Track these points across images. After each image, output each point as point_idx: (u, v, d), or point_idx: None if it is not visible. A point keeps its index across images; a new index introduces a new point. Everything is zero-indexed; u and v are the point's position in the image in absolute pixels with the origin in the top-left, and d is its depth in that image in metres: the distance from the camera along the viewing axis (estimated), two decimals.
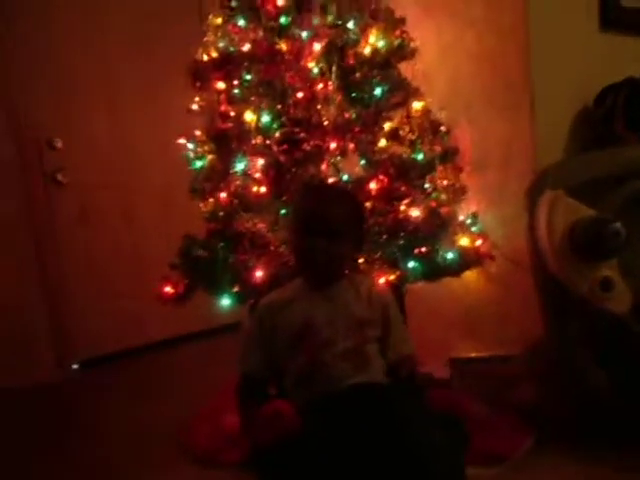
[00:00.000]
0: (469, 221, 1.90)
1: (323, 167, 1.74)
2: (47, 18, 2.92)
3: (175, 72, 2.64)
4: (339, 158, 1.81)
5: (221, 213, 1.83)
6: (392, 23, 1.86)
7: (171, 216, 3.08)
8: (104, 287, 3.06)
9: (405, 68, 1.91)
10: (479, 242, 1.79)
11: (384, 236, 1.65)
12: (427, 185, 1.81)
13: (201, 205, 1.96)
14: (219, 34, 1.91)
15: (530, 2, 1.91)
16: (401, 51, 1.85)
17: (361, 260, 1.66)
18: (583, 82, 2.00)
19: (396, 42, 1.84)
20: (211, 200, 1.92)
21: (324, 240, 1.28)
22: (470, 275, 1.91)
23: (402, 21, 1.91)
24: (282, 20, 1.71)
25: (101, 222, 3.07)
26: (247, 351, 1.39)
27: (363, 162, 1.82)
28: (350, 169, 1.83)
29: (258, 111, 1.69)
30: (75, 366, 3.00)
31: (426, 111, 1.83)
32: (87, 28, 3.03)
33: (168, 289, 1.94)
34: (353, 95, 1.74)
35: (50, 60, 2.93)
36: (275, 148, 1.68)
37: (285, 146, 1.67)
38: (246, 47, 1.81)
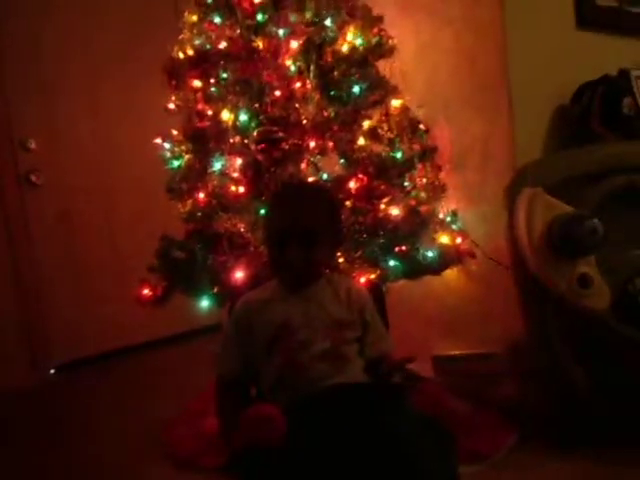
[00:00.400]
0: (449, 219, 1.90)
1: (302, 166, 1.73)
2: (30, 21, 2.89)
3: (155, 73, 2.62)
4: (318, 157, 1.80)
5: (199, 213, 1.81)
6: (370, 21, 1.85)
7: (152, 218, 3.01)
8: (83, 290, 3.01)
9: (383, 66, 1.91)
10: (459, 240, 1.79)
11: (364, 235, 1.64)
12: (406, 183, 1.81)
13: (179, 206, 1.94)
14: (195, 31, 1.88)
15: (506, 1, 1.91)
16: (379, 49, 1.85)
17: (341, 259, 1.65)
18: (560, 80, 2.00)
19: (374, 40, 1.84)
20: (189, 201, 1.90)
21: (300, 248, 1.26)
22: (451, 273, 1.91)
23: (380, 19, 1.90)
24: (259, 17, 1.69)
25: (80, 224, 3.03)
26: (224, 352, 1.37)
27: (342, 161, 1.81)
28: (329, 168, 1.82)
29: (235, 110, 1.67)
30: (52, 370, 2.95)
31: (405, 109, 1.83)
32: (69, 30, 3.00)
33: (146, 291, 1.91)
34: (331, 93, 1.72)
35: (30, 61, 2.89)
36: (253, 147, 1.65)
37: (263, 145, 1.65)
38: (222, 45, 1.80)
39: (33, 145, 2.88)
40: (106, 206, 3.12)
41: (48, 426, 2.31)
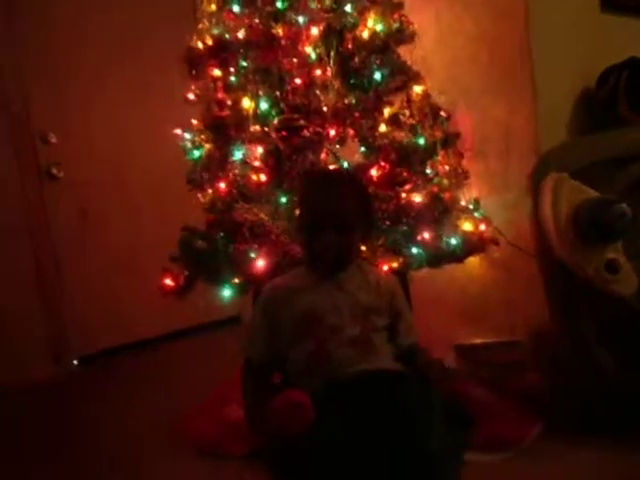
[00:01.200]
0: (471, 206, 1.88)
1: (323, 154, 1.72)
2: (44, 15, 2.89)
3: (170, 64, 2.63)
4: (337, 146, 1.79)
5: (220, 203, 1.81)
6: (390, 7, 1.83)
7: (169, 211, 3.04)
8: (102, 283, 3.03)
9: (404, 53, 1.89)
10: (482, 227, 1.77)
11: (387, 222, 1.62)
12: (428, 171, 1.79)
13: (199, 196, 1.94)
14: (213, 21, 1.88)
15: None
16: (400, 35, 1.82)
17: (363, 247, 1.64)
18: (584, 63, 1.97)
19: (395, 26, 1.82)
20: (209, 190, 1.90)
21: (334, 234, 1.26)
22: (473, 261, 1.89)
23: (400, 5, 1.88)
24: (278, 5, 1.68)
25: (99, 218, 3.04)
26: (252, 337, 1.36)
27: (363, 149, 1.80)
28: (349, 156, 1.81)
29: (256, 98, 1.66)
30: (75, 362, 2.98)
31: (426, 95, 1.80)
32: (83, 24, 2.99)
33: (168, 282, 1.91)
34: (352, 81, 1.70)
35: (46, 55, 2.90)
36: (274, 135, 1.64)
37: (284, 133, 1.64)
38: (241, 34, 1.79)
39: (54, 139, 2.90)
40: (123, 199, 3.13)
41: (71, 417, 2.33)
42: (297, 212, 1.50)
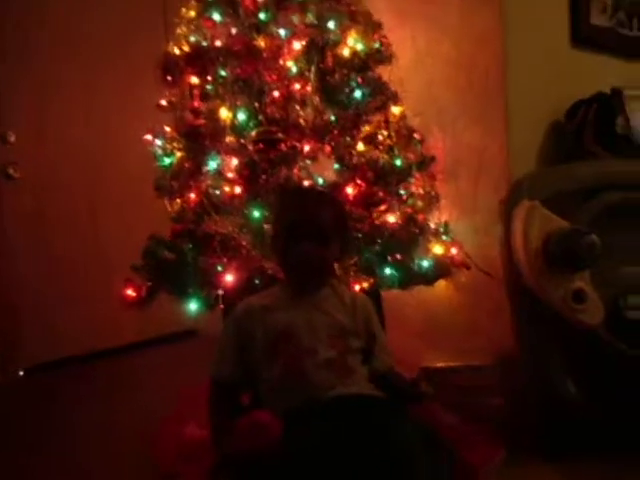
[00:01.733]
0: (441, 229, 1.89)
1: (297, 169, 1.69)
2: (23, 14, 2.81)
3: (147, 70, 2.56)
4: (311, 161, 1.77)
5: (189, 213, 1.76)
6: (371, 26, 1.83)
7: (131, 218, 2.96)
8: (60, 289, 2.91)
9: (381, 73, 1.89)
10: (454, 250, 1.78)
11: (360, 242, 1.61)
12: (402, 192, 1.79)
13: (167, 205, 1.89)
14: (191, 27, 1.84)
15: (506, 12, 1.92)
16: (379, 55, 1.83)
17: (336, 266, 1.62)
18: (556, 95, 2.02)
19: (374, 45, 1.82)
20: (178, 200, 1.85)
21: (314, 244, 1.24)
22: (440, 284, 1.89)
23: (380, 25, 1.89)
24: (261, 16, 1.66)
25: (60, 221, 2.92)
26: (221, 356, 1.32)
27: (336, 166, 1.78)
28: (325, 172, 1.79)
29: (234, 108, 1.62)
30: (21, 372, 2.84)
31: (403, 116, 1.81)
32: (60, 23, 2.91)
33: (130, 292, 1.84)
34: (332, 97, 1.69)
35: (21, 53, 2.80)
36: (250, 147, 1.61)
37: (261, 146, 1.61)
38: (218, 42, 1.76)
39: (12, 138, 2.78)
40: (90, 203, 3.02)
41: (14, 430, 2.21)
42: (271, 227, 1.47)
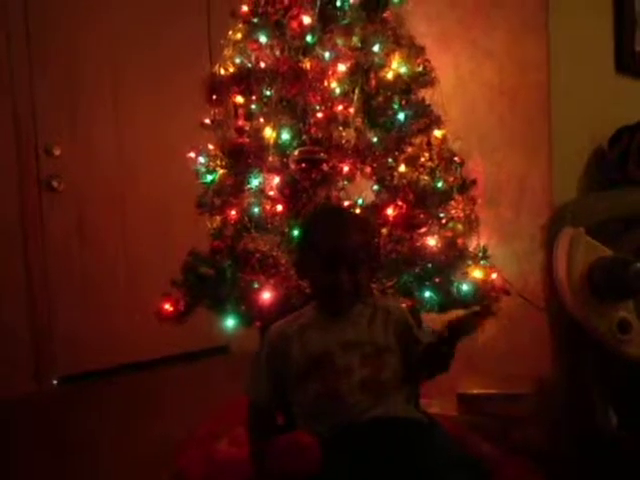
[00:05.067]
0: (480, 254, 1.87)
1: (339, 188, 1.70)
2: (55, 23, 2.90)
3: (184, 91, 2.63)
4: (349, 182, 1.78)
5: (229, 230, 1.78)
6: (414, 50, 1.85)
7: (168, 232, 3.01)
8: (94, 302, 2.96)
9: (424, 97, 1.90)
10: (494, 276, 1.75)
11: (400, 264, 1.60)
12: (442, 215, 1.78)
13: (207, 221, 1.91)
14: (237, 49, 1.88)
15: (551, 39, 1.91)
16: (422, 79, 1.84)
17: (374, 288, 1.61)
18: (598, 123, 2.00)
19: (418, 69, 1.83)
20: (218, 217, 1.88)
21: (348, 272, 1.24)
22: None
23: (423, 49, 1.90)
24: (308, 39, 1.68)
25: (96, 234, 2.99)
26: (257, 379, 1.32)
27: (376, 187, 1.79)
28: (365, 193, 1.79)
29: (278, 128, 1.64)
30: (55, 381, 2.88)
31: (445, 140, 1.81)
32: (94, 35, 3.00)
33: (167, 306, 1.86)
34: (374, 119, 1.70)
35: (59, 69, 2.90)
36: (293, 166, 1.63)
37: (304, 165, 1.62)
38: (262, 64, 1.79)
39: (58, 152, 2.87)
40: (122, 218, 3.09)
41: (46, 440, 2.23)
42: (299, 247, 1.46)
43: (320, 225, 1.39)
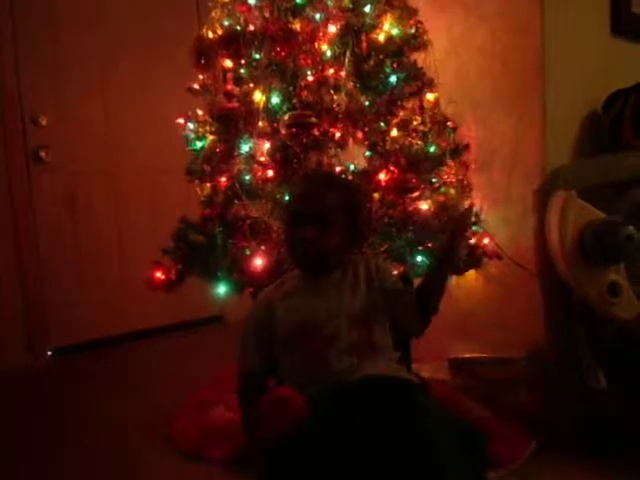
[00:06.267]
0: (472, 219, 1.86)
1: (331, 154, 1.68)
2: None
3: (170, 53, 2.57)
4: (342, 148, 1.75)
5: (220, 197, 1.76)
6: (407, 12, 1.81)
7: (160, 202, 2.99)
8: (86, 273, 2.95)
9: (416, 60, 1.87)
10: (486, 241, 1.75)
11: (392, 229, 1.59)
12: (434, 180, 1.77)
13: (197, 189, 1.89)
14: (225, 11, 1.83)
15: (546, 1, 1.87)
16: (414, 41, 1.81)
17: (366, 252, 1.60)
18: (593, 86, 1.97)
19: (410, 31, 1.80)
20: (208, 184, 1.86)
21: (313, 230, 1.22)
22: (470, 275, 1.87)
23: (415, 11, 1.86)
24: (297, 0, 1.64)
25: (86, 205, 2.97)
26: (245, 347, 1.32)
27: (368, 153, 1.77)
28: (351, 159, 1.78)
29: (267, 92, 1.61)
30: (49, 353, 2.88)
31: (438, 104, 1.79)
32: (84, 8, 2.93)
33: (159, 275, 1.85)
34: (366, 82, 1.67)
35: (45, 37, 2.84)
36: (284, 131, 1.60)
37: (294, 130, 1.60)
38: (251, 26, 1.75)
39: (44, 121, 2.82)
40: (114, 188, 3.06)
41: (42, 410, 2.24)
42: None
43: (295, 188, 1.42)
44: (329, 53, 1.64)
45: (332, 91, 1.61)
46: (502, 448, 1.54)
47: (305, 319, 1.24)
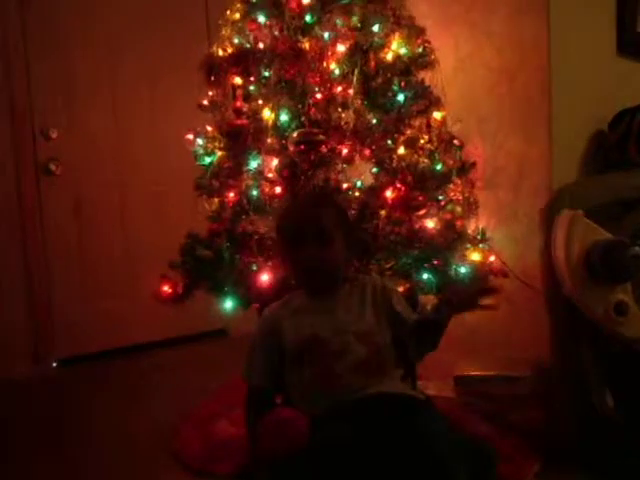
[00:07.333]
0: (478, 237, 1.87)
1: (337, 172, 1.69)
2: (52, 8, 2.86)
3: (178, 69, 2.59)
4: (348, 164, 1.77)
5: (228, 212, 1.77)
6: (415, 31, 1.83)
7: (167, 216, 3.00)
8: (92, 284, 2.96)
9: (423, 78, 1.88)
10: (492, 258, 1.75)
11: (398, 246, 1.60)
12: (441, 197, 1.78)
13: (205, 203, 1.91)
14: (236, 29, 1.86)
15: (552, 20, 1.89)
16: (422, 60, 1.83)
17: (372, 270, 1.61)
18: (599, 105, 1.98)
19: (417, 50, 1.82)
20: (216, 199, 1.87)
21: (315, 247, 1.26)
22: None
23: (423, 30, 1.88)
24: (307, 18, 1.66)
25: (93, 217, 2.98)
26: (253, 362, 1.34)
27: (375, 169, 1.78)
28: (357, 176, 1.79)
29: (276, 109, 1.63)
30: (54, 364, 2.89)
31: (444, 122, 1.80)
32: (91, 19, 2.97)
33: (166, 288, 1.86)
34: (373, 100, 1.69)
35: (55, 51, 2.87)
36: (292, 148, 1.62)
37: (302, 147, 1.61)
38: (261, 44, 1.77)
39: (54, 134, 2.85)
40: (120, 200, 3.08)
41: (46, 421, 2.24)
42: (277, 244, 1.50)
43: (286, 210, 1.46)
44: (337, 71, 1.66)
45: (340, 109, 1.63)
46: (507, 468, 1.54)
47: (313, 335, 1.25)
